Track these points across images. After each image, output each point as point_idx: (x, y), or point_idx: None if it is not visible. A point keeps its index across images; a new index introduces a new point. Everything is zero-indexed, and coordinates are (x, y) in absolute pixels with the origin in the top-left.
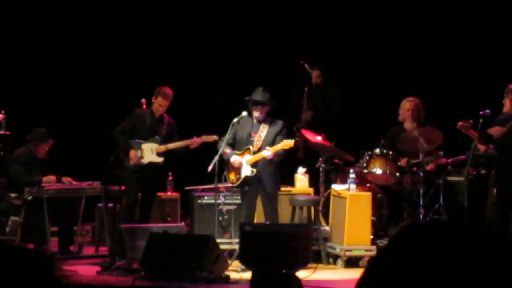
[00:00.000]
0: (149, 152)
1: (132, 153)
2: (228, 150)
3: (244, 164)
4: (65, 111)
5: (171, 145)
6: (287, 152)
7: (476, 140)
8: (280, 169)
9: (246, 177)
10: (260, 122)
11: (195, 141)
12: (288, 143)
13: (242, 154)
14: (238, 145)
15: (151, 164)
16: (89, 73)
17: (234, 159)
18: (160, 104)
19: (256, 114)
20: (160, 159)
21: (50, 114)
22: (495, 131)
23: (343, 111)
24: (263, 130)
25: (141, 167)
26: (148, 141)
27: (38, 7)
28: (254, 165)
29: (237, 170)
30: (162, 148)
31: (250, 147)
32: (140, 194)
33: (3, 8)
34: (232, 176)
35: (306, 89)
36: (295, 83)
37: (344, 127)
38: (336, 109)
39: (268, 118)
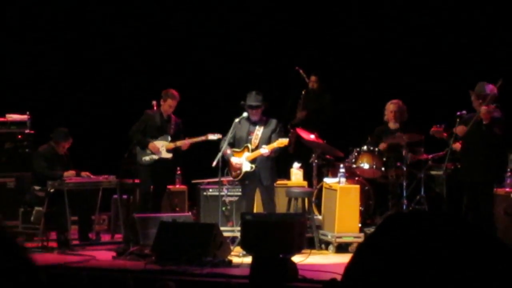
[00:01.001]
0: (160, 148)
1: (152, 145)
2: (228, 151)
3: (244, 161)
4: (84, 112)
5: (179, 143)
6: (281, 149)
7: (452, 140)
8: (277, 164)
9: (246, 172)
10: (256, 122)
11: (186, 143)
12: (283, 141)
13: (241, 152)
14: (237, 143)
15: (162, 160)
16: (105, 78)
17: (235, 161)
18: (169, 105)
19: (252, 116)
20: (169, 155)
21: (70, 114)
22: (459, 130)
23: (334, 114)
24: (260, 129)
25: (153, 162)
26: (158, 139)
27: (58, 12)
28: (252, 161)
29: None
30: (171, 145)
31: (248, 145)
32: (152, 186)
33: (24, 15)
34: (233, 172)
35: (303, 92)
36: (291, 86)
37: (335, 127)
38: (328, 112)
39: (263, 118)
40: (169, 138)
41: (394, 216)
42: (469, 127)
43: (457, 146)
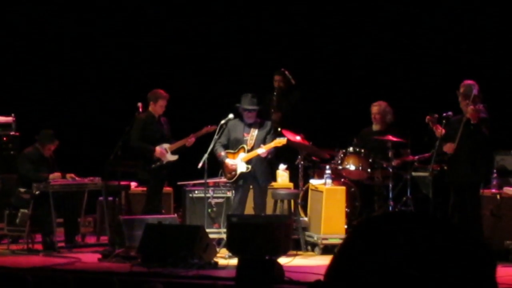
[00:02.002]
0: (165, 152)
1: (158, 151)
2: (222, 153)
3: (239, 162)
4: (69, 114)
5: (178, 144)
6: (277, 150)
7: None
8: (272, 165)
9: (242, 173)
10: (251, 124)
11: (191, 141)
12: (281, 140)
13: (237, 153)
14: (232, 145)
15: (169, 163)
16: (90, 79)
17: (230, 163)
18: (161, 105)
19: (247, 118)
20: (176, 157)
21: (55, 117)
22: (448, 148)
23: (305, 110)
24: (255, 131)
25: (161, 166)
26: (159, 143)
27: (43, 13)
28: (248, 162)
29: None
30: (174, 146)
31: (244, 146)
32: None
33: (9, 15)
34: (228, 174)
35: (274, 93)
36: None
37: (321, 128)
38: (299, 111)
39: (258, 120)
40: (168, 140)
41: (367, 220)
42: (459, 134)
43: (449, 148)
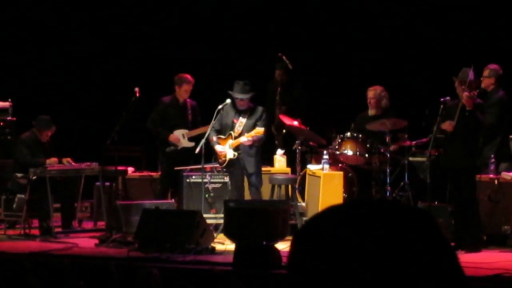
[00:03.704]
0: (181, 138)
1: (172, 137)
2: (214, 138)
3: (227, 148)
4: (66, 98)
5: (197, 131)
6: (265, 137)
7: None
8: (262, 151)
9: (230, 160)
10: (242, 110)
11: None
12: (258, 130)
13: (226, 139)
14: (223, 130)
15: (184, 149)
16: (87, 64)
17: (219, 149)
18: (186, 90)
19: (239, 106)
20: (191, 144)
21: (52, 101)
22: (447, 126)
23: (309, 101)
24: (244, 117)
25: (176, 151)
26: (178, 127)
27: None
28: (236, 148)
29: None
30: (192, 133)
31: (232, 132)
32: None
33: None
34: (220, 159)
35: (279, 89)
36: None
37: (314, 117)
38: (303, 103)
39: (250, 105)
40: (189, 126)
41: (308, 223)
42: (456, 118)
43: (448, 125)
